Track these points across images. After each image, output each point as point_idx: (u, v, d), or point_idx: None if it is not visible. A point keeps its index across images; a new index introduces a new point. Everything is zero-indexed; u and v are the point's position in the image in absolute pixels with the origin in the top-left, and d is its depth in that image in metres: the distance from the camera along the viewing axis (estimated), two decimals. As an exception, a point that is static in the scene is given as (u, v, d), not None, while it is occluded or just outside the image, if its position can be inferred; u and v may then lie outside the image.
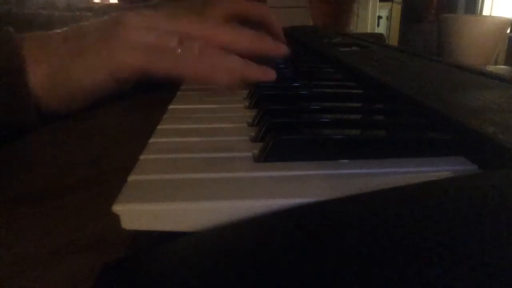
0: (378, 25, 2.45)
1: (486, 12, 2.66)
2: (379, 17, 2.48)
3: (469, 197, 0.14)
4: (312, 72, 0.48)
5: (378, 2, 2.28)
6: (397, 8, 2.61)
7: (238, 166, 0.20)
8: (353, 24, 1.54)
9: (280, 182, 0.18)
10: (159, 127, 0.27)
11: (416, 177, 0.18)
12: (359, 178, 0.18)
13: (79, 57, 0.35)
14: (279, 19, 0.56)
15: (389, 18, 2.62)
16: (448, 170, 0.19)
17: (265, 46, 0.39)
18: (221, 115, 0.30)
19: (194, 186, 0.17)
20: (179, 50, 0.34)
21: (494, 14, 2.57)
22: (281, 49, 0.40)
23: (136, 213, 0.16)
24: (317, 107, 0.30)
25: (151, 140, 0.24)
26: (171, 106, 0.33)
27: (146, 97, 0.44)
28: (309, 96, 0.34)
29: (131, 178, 0.18)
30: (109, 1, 1.27)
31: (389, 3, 2.58)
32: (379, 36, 1.39)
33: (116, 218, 0.16)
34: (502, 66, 2.15)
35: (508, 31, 2.15)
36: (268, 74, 0.36)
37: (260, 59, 0.37)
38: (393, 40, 2.56)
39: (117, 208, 0.16)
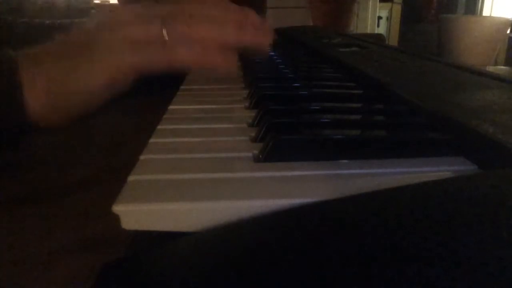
0: (378, 26, 2.45)
1: (486, 12, 2.66)
2: (379, 18, 2.48)
3: (469, 197, 0.14)
4: (312, 72, 0.48)
5: (378, 3, 2.28)
6: (397, 8, 2.61)
7: (238, 166, 0.20)
8: (353, 24, 1.55)
9: (280, 182, 0.18)
10: (159, 127, 0.27)
11: (416, 177, 0.18)
12: (359, 178, 0.18)
13: (72, 71, 0.35)
14: (279, 19, 0.56)
15: (389, 18, 2.62)
16: (448, 170, 0.19)
17: (251, 21, 0.36)
18: (221, 115, 0.30)
19: (194, 186, 0.17)
20: (166, 37, 0.33)
21: (494, 14, 2.57)
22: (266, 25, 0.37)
23: (136, 213, 0.16)
24: (317, 107, 0.30)
25: (151, 140, 0.24)
26: (171, 106, 0.33)
27: (146, 97, 0.44)
28: (309, 96, 0.34)
29: (131, 178, 0.18)
30: (109, 1, 1.27)
31: (389, 4, 2.58)
32: (379, 36, 1.39)
33: (116, 218, 0.16)
34: (502, 67, 2.15)
35: (508, 31, 2.16)
36: (265, 35, 0.34)
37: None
38: (393, 40, 2.56)
39: (117, 208, 0.16)
